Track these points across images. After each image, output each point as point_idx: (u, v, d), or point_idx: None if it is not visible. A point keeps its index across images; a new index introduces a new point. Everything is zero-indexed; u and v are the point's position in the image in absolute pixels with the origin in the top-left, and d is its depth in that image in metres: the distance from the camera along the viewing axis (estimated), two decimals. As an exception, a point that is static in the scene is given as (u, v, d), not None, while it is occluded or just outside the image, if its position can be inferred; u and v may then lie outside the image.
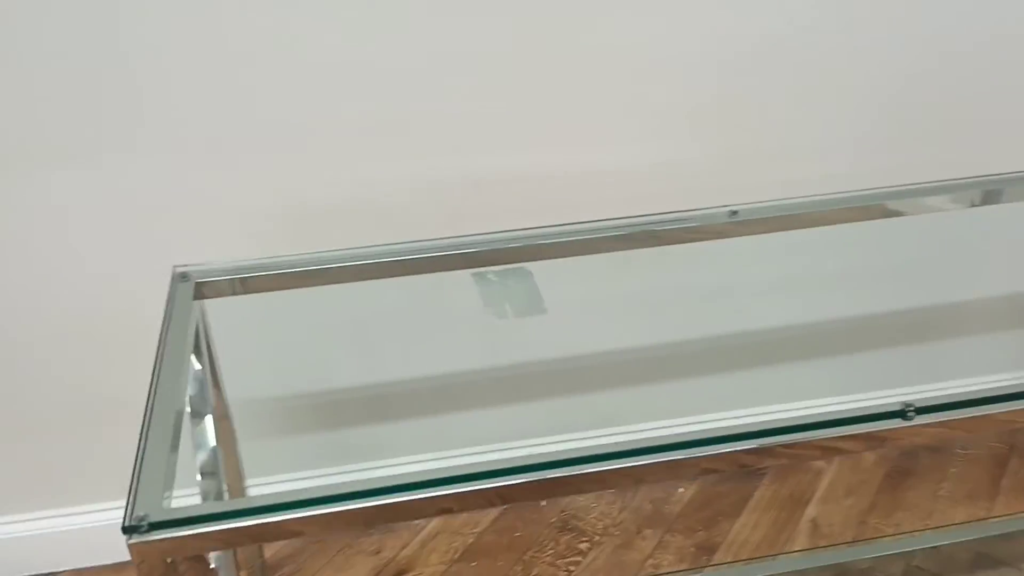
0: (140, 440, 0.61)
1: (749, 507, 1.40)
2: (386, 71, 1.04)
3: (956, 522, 1.35)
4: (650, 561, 1.31)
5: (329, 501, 0.60)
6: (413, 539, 1.37)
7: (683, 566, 1.30)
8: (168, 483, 0.59)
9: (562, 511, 1.41)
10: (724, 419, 1.40)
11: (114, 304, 1.09)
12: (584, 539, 1.36)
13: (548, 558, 1.33)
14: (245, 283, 0.84)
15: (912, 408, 0.65)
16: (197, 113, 1.01)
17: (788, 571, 1.25)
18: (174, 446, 0.62)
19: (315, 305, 1.08)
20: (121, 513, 0.55)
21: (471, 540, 1.37)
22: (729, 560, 1.30)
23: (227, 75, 0.99)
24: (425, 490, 0.63)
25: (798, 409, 1.41)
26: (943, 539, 1.29)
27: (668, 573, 1.28)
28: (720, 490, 1.43)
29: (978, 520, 1.35)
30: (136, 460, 0.59)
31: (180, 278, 0.80)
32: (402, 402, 1.30)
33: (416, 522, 1.40)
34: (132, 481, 0.57)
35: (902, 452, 1.48)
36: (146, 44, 0.96)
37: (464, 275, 0.97)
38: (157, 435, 0.62)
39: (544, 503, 1.42)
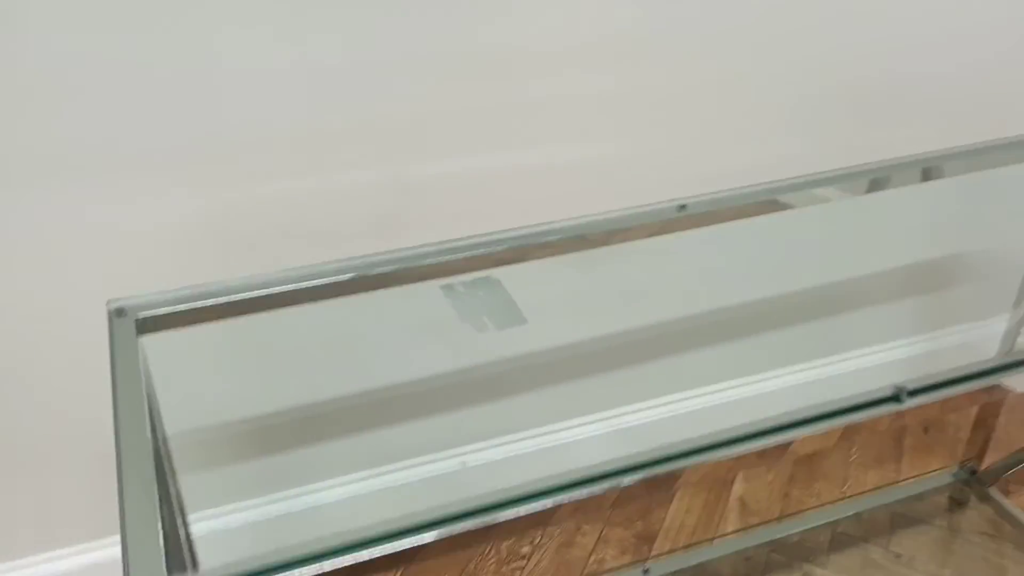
0: (120, 507, 0.54)
1: (679, 493, 1.42)
2: (311, 82, 0.98)
3: (870, 487, 1.42)
4: (593, 557, 1.31)
5: (324, 557, 0.57)
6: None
7: (626, 558, 1.31)
8: (158, 549, 0.52)
9: (498, 516, 1.38)
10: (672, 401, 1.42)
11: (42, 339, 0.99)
12: (525, 542, 1.34)
13: (492, 566, 1.30)
14: (187, 315, 0.76)
15: (905, 391, 0.67)
16: (109, 134, 0.92)
17: (727, 553, 1.28)
18: (154, 507, 0.55)
19: (238, 328, 1.01)
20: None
21: (411, 556, 1.32)
22: (668, 548, 1.32)
23: (143, 92, 0.91)
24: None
25: (732, 388, 1.45)
26: (862, 505, 1.36)
27: (616, 568, 1.29)
28: (650, 479, 1.45)
29: (891, 484, 1.42)
30: (121, 531, 0.52)
31: (116, 314, 0.71)
32: (336, 420, 1.24)
33: (348, 544, 1.34)
34: (123, 557, 0.50)
35: (812, 424, 1.55)
36: (49, 62, 0.86)
37: (396, 290, 0.92)
38: (135, 498, 0.55)
39: (479, 510, 1.40)
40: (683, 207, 0.92)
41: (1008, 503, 1.34)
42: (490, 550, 1.33)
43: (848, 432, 1.53)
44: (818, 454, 1.49)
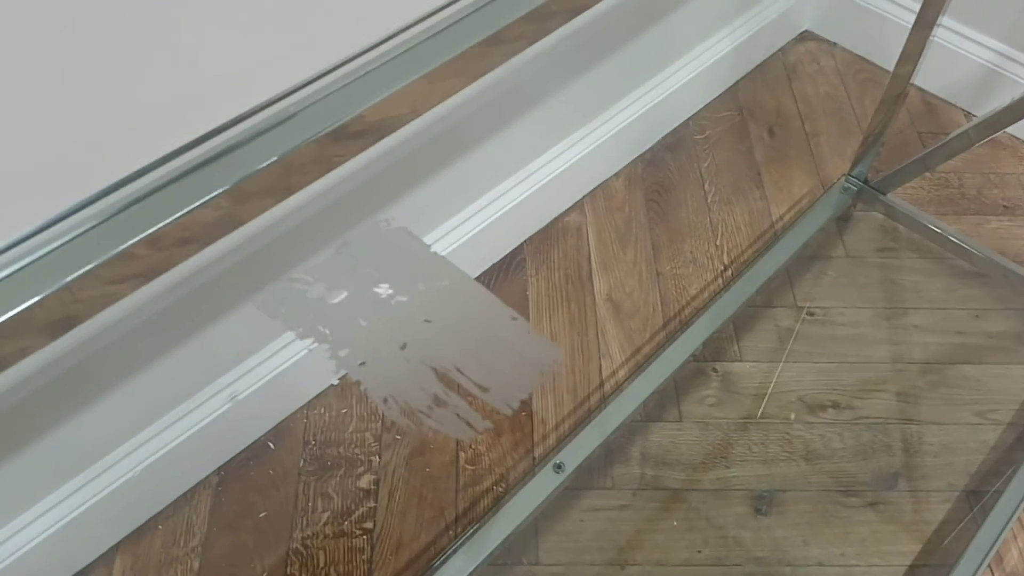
0: None
1: (533, 316, 1.04)
2: None
3: (744, 229, 1.13)
4: (465, 456, 0.92)
5: None
6: (104, 610, 0.82)
7: (511, 446, 0.93)
8: None
9: (307, 443, 0.93)
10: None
11: None
12: (360, 469, 0.91)
13: (328, 527, 0.87)
14: None
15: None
16: None
17: (634, 402, 0.93)
18: None
19: None
20: None
21: (197, 562, 0.85)
22: (553, 405, 0.96)
23: None
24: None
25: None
26: (760, 269, 1.05)
27: (510, 469, 0.91)
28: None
29: (762, 223, 1.14)
30: None
31: None
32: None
33: (90, 576, 0.84)
34: None
35: (647, 164, 1.19)
36: None
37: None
38: None
39: (272, 444, 0.93)
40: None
41: (901, 203, 1.10)
42: (314, 500, 0.89)
43: (689, 165, 1.20)
44: (670, 205, 1.15)
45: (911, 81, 0.99)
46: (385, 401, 0.30)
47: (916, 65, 0.97)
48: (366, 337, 0.29)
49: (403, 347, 0.29)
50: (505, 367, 0.31)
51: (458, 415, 0.32)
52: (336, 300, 0.30)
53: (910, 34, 0.94)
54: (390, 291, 0.29)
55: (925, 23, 0.93)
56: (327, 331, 0.29)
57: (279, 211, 0.67)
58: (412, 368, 0.29)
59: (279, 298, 0.30)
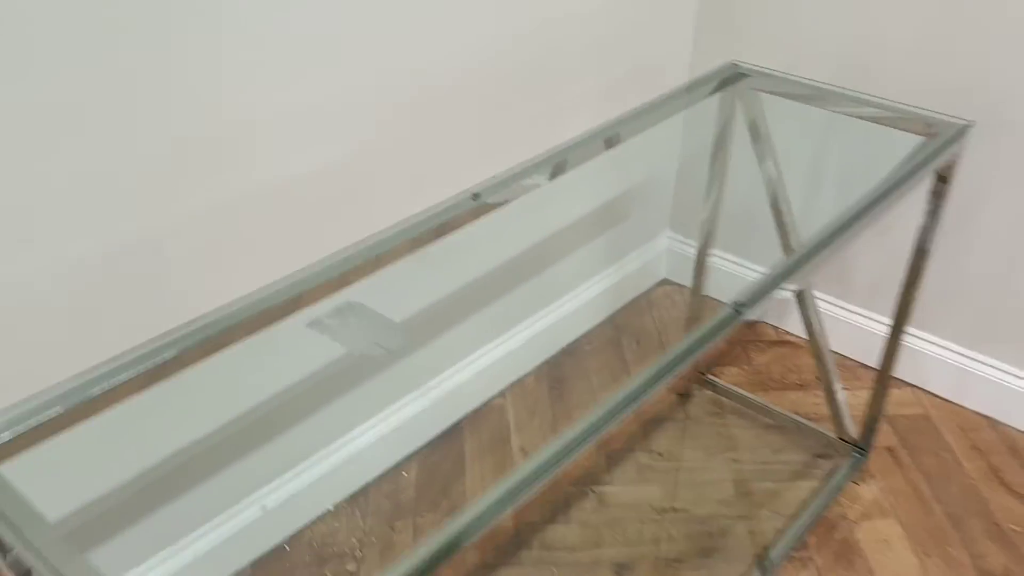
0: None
1: (468, 463, 1.50)
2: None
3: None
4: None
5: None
6: (169, 653, 1.20)
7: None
8: None
9: (310, 545, 1.34)
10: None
11: None
12: (348, 562, 1.32)
13: (325, 596, 1.27)
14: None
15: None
16: None
17: (526, 504, 1.38)
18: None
19: None
20: None
21: (235, 621, 1.24)
22: (480, 515, 1.39)
23: None
24: None
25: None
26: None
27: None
28: (434, 459, 1.51)
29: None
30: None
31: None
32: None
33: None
34: None
35: (551, 365, 1.71)
36: None
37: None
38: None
39: (287, 547, 1.34)
40: (477, 195, 0.98)
41: (723, 383, 1.62)
42: (317, 581, 1.29)
43: (582, 369, 1.72)
44: (566, 391, 1.65)
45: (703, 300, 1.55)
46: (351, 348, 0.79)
47: (701, 289, 1.53)
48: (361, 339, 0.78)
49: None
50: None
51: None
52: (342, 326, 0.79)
53: (694, 267, 1.52)
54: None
55: (700, 260, 1.51)
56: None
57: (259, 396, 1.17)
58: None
59: (324, 325, 0.79)
